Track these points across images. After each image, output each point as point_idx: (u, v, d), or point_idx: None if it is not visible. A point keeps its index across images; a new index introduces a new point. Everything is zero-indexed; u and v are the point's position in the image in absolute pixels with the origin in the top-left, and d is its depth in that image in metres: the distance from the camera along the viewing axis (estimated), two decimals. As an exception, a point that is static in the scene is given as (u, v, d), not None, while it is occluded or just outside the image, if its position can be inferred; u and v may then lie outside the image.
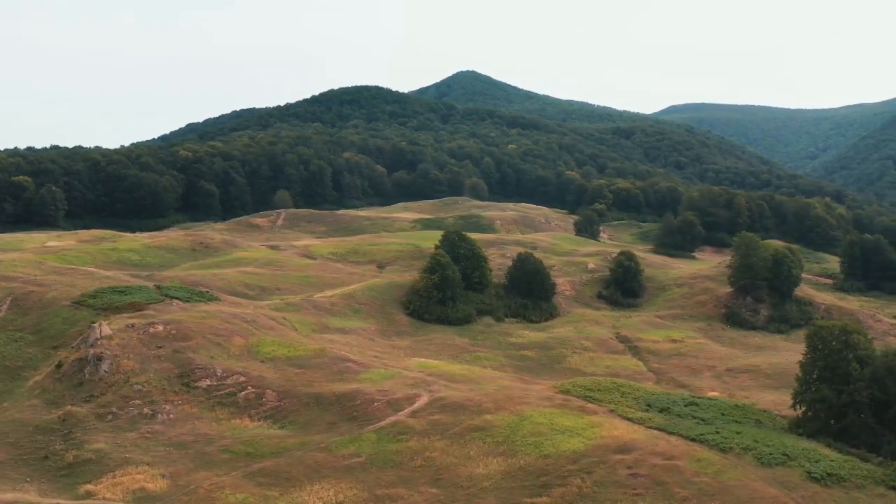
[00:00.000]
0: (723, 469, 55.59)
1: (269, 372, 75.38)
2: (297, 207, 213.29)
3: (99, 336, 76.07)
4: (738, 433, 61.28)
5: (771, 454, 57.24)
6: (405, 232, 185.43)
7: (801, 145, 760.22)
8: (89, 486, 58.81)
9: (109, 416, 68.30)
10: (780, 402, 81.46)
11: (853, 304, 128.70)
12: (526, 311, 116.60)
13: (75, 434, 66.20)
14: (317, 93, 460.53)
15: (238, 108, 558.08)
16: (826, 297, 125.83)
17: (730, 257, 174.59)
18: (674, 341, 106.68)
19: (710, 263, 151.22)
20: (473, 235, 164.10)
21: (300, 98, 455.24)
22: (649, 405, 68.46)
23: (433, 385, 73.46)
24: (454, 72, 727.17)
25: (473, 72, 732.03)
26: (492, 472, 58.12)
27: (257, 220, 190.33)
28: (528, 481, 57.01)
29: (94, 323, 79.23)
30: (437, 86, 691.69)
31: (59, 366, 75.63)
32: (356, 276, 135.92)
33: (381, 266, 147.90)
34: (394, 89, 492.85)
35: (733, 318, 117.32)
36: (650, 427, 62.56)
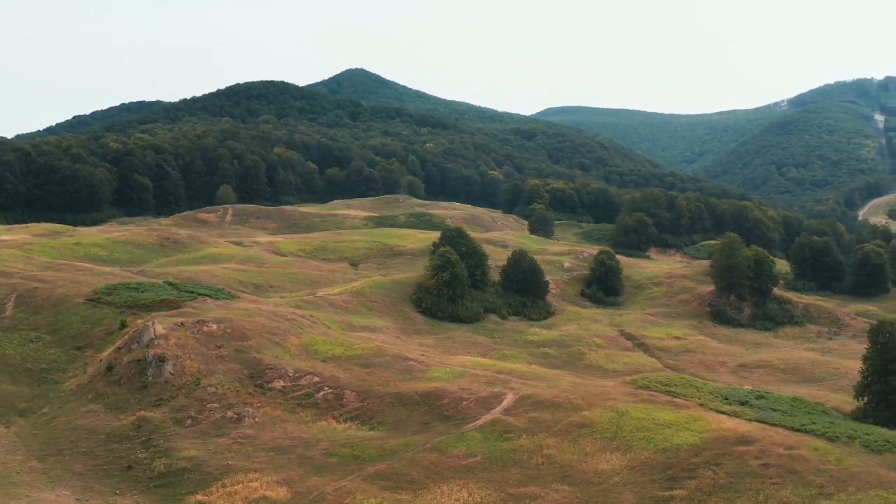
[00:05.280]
0: (841, 457, 57.87)
1: (339, 371, 72.86)
2: (233, 203, 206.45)
3: (153, 336, 71.45)
4: (832, 423, 63.99)
5: (875, 441, 60.00)
6: (360, 230, 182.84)
7: (678, 149, 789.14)
8: (199, 497, 55.25)
9: (188, 421, 64.36)
10: (813, 395, 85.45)
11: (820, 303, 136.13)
12: (526, 308, 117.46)
13: (156, 441, 62.09)
14: (216, 87, 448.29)
15: (126, 101, 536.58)
16: (802, 297, 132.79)
17: (678, 257, 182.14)
18: (677, 338, 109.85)
19: (677, 263, 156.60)
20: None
21: (185, 92, 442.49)
22: (726, 398, 70.44)
23: (510, 383, 72.99)
24: (343, 69, 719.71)
25: (363, 69, 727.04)
26: (616, 468, 58.33)
27: (204, 215, 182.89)
28: (654, 475, 57.55)
29: (146, 322, 74.15)
30: (326, 83, 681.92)
31: (110, 368, 70.55)
32: (338, 273, 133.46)
33: (353, 264, 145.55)
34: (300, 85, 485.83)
35: (719, 316, 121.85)
36: (749, 420, 64.36)
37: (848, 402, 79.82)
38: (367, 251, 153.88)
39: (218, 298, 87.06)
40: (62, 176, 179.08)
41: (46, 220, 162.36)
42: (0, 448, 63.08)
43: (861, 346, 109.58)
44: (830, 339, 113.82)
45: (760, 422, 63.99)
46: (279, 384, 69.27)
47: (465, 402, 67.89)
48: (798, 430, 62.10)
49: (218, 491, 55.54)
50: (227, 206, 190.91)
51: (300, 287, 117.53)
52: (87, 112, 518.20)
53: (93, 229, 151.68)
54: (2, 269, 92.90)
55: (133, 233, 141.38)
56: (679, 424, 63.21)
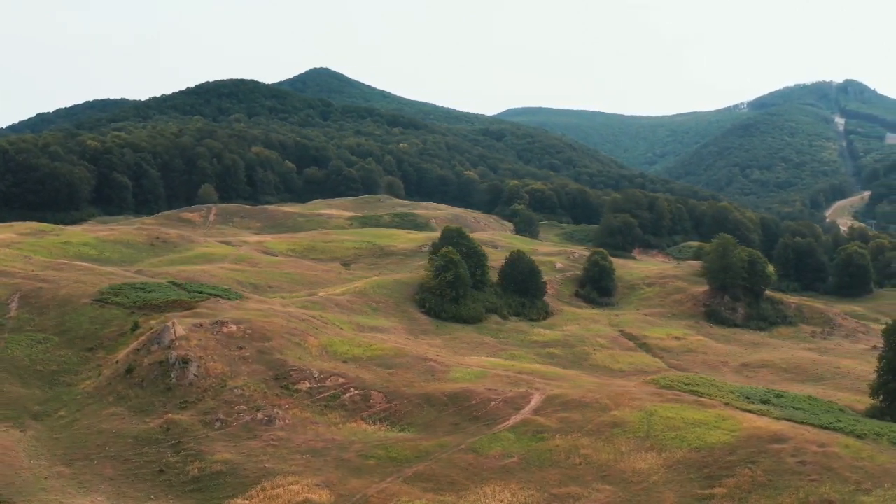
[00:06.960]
0: (873, 454, 58.81)
1: (362, 372, 72.28)
2: (215, 202, 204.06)
3: (174, 337, 70.22)
4: (857, 421, 65.09)
5: (902, 439, 61.19)
6: (346, 230, 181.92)
7: (640, 150, 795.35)
8: (239, 501, 54.28)
9: (218, 424, 63.31)
10: (820, 394, 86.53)
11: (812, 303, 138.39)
12: (525, 309, 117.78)
13: (187, 444, 60.95)
14: (175, 85, 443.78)
15: (90, 99, 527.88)
16: (790, 298, 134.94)
17: (661, 258, 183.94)
18: (677, 339, 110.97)
19: (663, 263, 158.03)
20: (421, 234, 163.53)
21: (144, 89, 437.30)
22: (748, 397, 71.27)
23: (534, 383, 73.04)
24: (306, 68, 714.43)
25: (328, 69, 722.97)
26: (654, 467, 58.63)
27: (188, 214, 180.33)
28: (691, 474, 57.99)
29: (166, 323, 72.82)
30: (291, 82, 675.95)
31: (129, 370, 69.16)
32: (332, 273, 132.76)
33: (345, 264, 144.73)
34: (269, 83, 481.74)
35: (714, 317, 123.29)
36: (777, 418, 65.14)
37: (857, 401, 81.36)
38: (357, 251, 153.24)
39: (229, 299, 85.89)
40: (41, 174, 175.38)
41: (25, 219, 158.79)
42: (21, 453, 61.43)
43: (857, 346, 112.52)
44: (825, 339, 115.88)
45: (788, 420, 64.79)
46: (305, 385, 68.51)
47: (493, 403, 67.81)
48: (826, 428, 62.95)
49: (258, 495, 54.65)
50: (210, 205, 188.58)
51: (298, 287, 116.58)
52: (51, 110, 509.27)
53: (77, 228, 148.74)
54: (2, 269, 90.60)
55: (121, 232, 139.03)
56: (709, 423, 63.77)
